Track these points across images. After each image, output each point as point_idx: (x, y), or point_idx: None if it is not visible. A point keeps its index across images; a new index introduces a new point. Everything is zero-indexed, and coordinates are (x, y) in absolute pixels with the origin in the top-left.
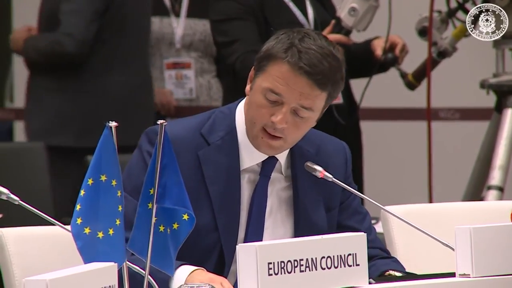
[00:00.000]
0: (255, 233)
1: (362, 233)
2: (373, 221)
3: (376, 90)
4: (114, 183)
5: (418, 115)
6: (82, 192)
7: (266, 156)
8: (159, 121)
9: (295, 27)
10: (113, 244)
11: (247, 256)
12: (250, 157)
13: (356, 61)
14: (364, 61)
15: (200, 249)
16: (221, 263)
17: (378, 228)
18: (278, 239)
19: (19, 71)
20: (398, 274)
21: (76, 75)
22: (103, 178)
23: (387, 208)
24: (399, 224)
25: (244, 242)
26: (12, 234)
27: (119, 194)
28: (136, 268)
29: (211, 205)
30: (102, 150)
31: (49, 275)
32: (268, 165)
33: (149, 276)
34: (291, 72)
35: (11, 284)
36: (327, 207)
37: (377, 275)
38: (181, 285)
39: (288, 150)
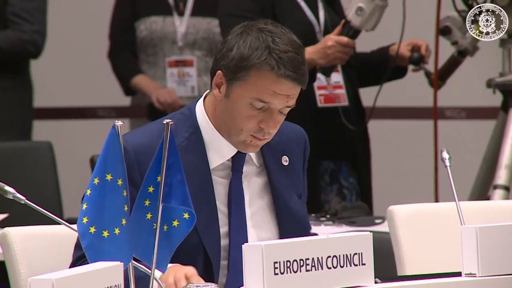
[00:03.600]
0: (238, 227)
1: (368, 232)
2: (379, 220)
3: (382, 89)
4: (120, 182)
5: (424, 114)
6: (88, 192)
7: (234, 152)
8: (166, 121)
9: (306, 28)
10: (119, 244)
11: (253, 255)
12: (218, 155)
13: (371, 68)
14: (381, 68)
15: (184, 252)
16: (208, 263)
17: (384, 227)
18: (262, 229)
19: None
20: None
21: (26, 73)
22: (109, 177)
23: (393, 207)
24: (405, 224)
25: (229, 236)
26: (18, 233)
27: (124, 193)
28: (142, 267)
29: None
30: (108, 149)
31: (55, 274)
32: (239, 160)
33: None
34: (278, 81)
35: (17, 283)
36: (297, 194)
37: None
38: (186, 285)
39: None
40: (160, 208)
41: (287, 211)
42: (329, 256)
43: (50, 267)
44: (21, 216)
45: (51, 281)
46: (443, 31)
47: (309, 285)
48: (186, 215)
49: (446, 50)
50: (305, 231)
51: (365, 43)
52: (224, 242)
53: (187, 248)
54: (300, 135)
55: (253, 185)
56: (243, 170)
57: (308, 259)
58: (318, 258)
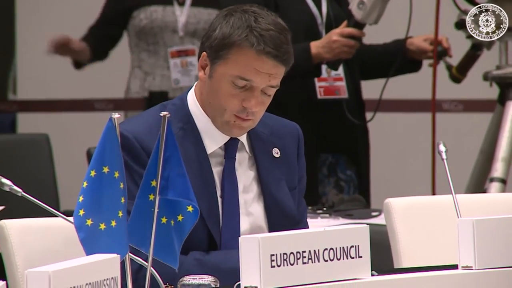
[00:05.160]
0: (230, 213)
1: (365, 225)
2: (376, 213)
3: (380, 82)
4: (116, 175)
5: (422, 107)
6: (84, 184)
7: (227, 139)
8: (163, 113)
9: (308, 19)
10: (115, 236)
11: (250, 247)
12: (212, 141)
13: (387, 60)
14: (396, 60)
15: (189, 237)
16: (214, 246)
17: (381, 220)
18: (254, 217)
19: (22, 63)
20: None
21: None
22: (106, 170)
23: (390, 200)
24: (401, 216)
25: (221, 222)
26: (15, 225)
27: (121, 186)
28: (139, 260)
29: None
30: (105, 142)
31: (52, 266)
32: (231, 147)
33: (151, 268)
34: (258, 58)
35: (14, 275)
36: (289, 186)
37: None
38: (182, 278)
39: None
40: (157, 201)
41: (274, 202)
42: (326, 249)
43: (47, 259)
44: (18, 209)
45: (48, 274)
46: (459, 24)
47: (306, 277)
48: (189, 208)
49: (462, 44)
50: (294, 224)
51: (369, 37)
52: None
53: (192, 232)
54: (294, 130)
55: (247, 174)
56: (236, 157)
57: (304, 251)
58: (315, 250)
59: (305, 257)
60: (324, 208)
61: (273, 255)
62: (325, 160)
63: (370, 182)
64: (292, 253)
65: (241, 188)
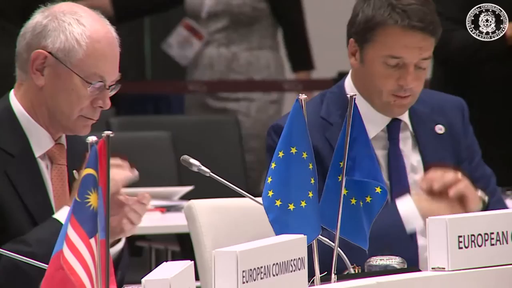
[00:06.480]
0: (402, 196)
1: None
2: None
3: None
4: (305, 155)
5: None
6: (273, 165)
7: (389, 121)
8: (350, 94)
9: None
10: (305, 217)
11: (437, 229)
12: (374, 125)
13: None
14: None
15: None
16: None
17: None
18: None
19: None
20: None
21: None
22: (294, 150)
23: None
24: None
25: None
26: (204, 206)
27: (310, 166)
28: (327, 240)
29: None
30: (293, 123)
31: (239, 246)
32: (394, 128)
33: (338, 249)
34: (405, 33)
35: (202, 255)
36: (456, 160)
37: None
38: (370, 259)
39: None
40: (343, 182)
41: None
42: None
43: (234, 239)
44: (207, 189)
45: (236, 253)
46: None
47: (494, 259)
48: (378, 189)
49: None
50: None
51: None
52: None
53: None
54: (458, 103)
55: (413, 153)
56: (400, 138)
57: (492, 233)
58: (503, 232)
59: (493, 238)
60: None
61: (460, 236)
62: None
63: None
64: (480, 234)
65: (408, 169)
